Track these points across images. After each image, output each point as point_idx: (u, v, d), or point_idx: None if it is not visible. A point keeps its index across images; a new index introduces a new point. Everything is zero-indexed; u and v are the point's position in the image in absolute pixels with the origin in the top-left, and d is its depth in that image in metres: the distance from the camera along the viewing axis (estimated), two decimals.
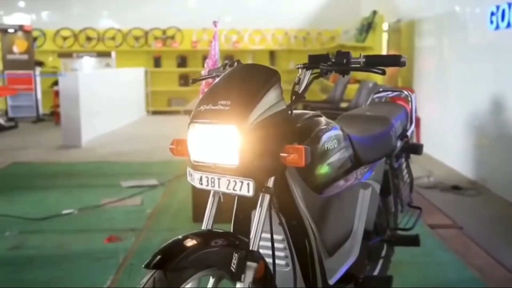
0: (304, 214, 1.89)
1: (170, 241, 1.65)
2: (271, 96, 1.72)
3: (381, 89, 3.00)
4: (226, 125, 1.66)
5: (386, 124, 2.58)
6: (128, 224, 4.13)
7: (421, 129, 7.67)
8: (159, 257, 1.57)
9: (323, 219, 2.00)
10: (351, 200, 2.21)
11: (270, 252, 1.86)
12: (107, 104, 9.64)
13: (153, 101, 13.08)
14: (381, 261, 2.90)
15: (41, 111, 11.65)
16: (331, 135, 2.03)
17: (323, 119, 2.09)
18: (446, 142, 6.88)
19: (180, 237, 1.67)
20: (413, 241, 2.63)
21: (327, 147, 1.98)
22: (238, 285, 1.69)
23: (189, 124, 1.76)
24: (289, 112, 1.80)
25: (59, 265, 3.45)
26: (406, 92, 2.89)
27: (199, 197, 3.81)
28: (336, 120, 2.69)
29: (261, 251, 2.00)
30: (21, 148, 7.94)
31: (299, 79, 1.86)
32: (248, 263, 1.69)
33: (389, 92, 2.97)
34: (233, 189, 1.70)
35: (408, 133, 2.76)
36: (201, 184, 1.77)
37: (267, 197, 1.75)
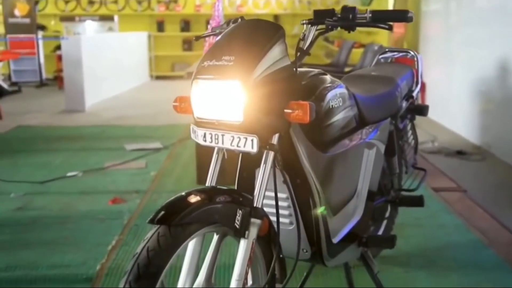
0: (309, 172, 1.89)
1: (174, 197, 1.64)
2: (275, 52, 1.69)
3: (386, 50, 2.96)
4: (230, 81, 1.64)
5: (392, 84, 2.55)
6: (133, 186, 4.14)
7: (426, 94, 7.62)
8: (162, 212, 1.57)
9: (327, 178, 1.99)
10: (355, 159, 2.20)
11: (274, 210, 1.86)
12: (110, 68, 9.59)
13: (157, 66, 13.00)
14: (385, 222, 2.91)
15: (44, 75, 11.60)
16: (336, 93, 2.00)
17: (328, 77, 2.06)
18: (452, 107, 6.84)
19: (183, 193, 1.66)
20: (417, 201, 2.63)
21: (332, 105, 1.96)
22: (242, 241, 1.69)
23: (192, 80, 1.74)
24: (294, 68, 1.77)
25: (64, 225, 3.48)
26: (412, 53, 2.85)
27: (203, 159, 3.81)
28: (341, 80, 2.67)
29: (265, 209, 2.01)
30: (25, 113, 7.93)
31: (304, 35, 1.83)
32: (252, 219, 1.69)
33: (395, 53, 2.92)
34: (237, 146, 1.69)
35: (414, 94, 2.73)
36: (205, 141, 1.76)
37: (271, 154, 1.73)
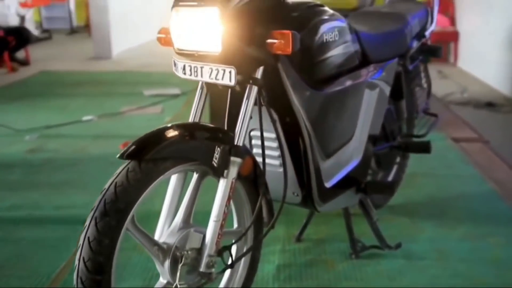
0: (298, 111, 1.79)
1: (150, 131, 1.57)
2: None
3: None
4: (208, 8, 1.54)
5: (401, 21, 2.40)
6: (145, 131, 4.02)
7: (459, 44, 7.32)
8: (133, 147, 1.50)
9: (320, 118, 1.88)
10: (354, 99, 2.07)
11: (266, 151, 1.78)
12: (139, 16, 9.48)
13: None
14: (394, 169, 2.80)
15: (75, 23, 11.58)
16: (332, 27, 1.88)
17: (325, 9, 1.94)
18: (486, 57, 6.53)
19: (161, 127, 1.59)
20: (424, 147, 2.48)
21: (326, 39, 1.84)
22: (221, 181, 1.62)
23: (172, 8, 1.64)
24: None
25: (75, 167, 3.48)
26: None
27: (216, 103, 3.72)
28: (349, 17, 2.52)
29: (255, 150, 1.93)
30: (52, 59, 7.95)
31: None
32: (232, 158, 1.61)
33: None
34: (215, 78, 1.61)
35: (427, 33, 2.56)
36: (185, 73, 1.69)
37: (255, 89, 1.64)
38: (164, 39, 1.75)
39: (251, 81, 1.63)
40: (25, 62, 7.44)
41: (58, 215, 2.79)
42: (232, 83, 1.57)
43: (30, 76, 6.57)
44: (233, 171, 1.61)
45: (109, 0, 8.09)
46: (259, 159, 1.72)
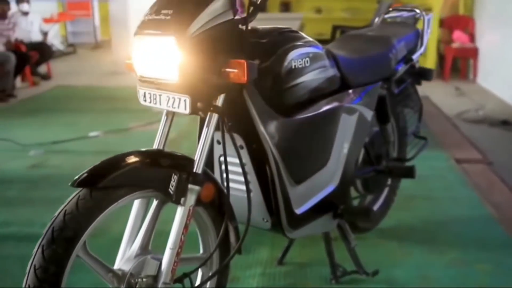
0: (264, 138, 1.78)
1: (107, 158, 1.57)
2: (217, 5, 1.57)
3: (390, 9, 2.75)
4: (165, 37, 1.54)
5: (386, 45, 2.37)
6: (148, 147, 4.08)
7: (478, 61, 7.21)
8: (85, 175, 1.51)
9: (290, 144, 1.87)
10: (329, 125, 2.05)
11: (236, 177, 1.80)
12: None
13: None
14: (386, 191, 2.76)
15: (99, 37, 11.78)
16: (303, 53, 1.87)
17: (298, 35, 1.93)
18: (505, 74, 6.40)
19: (119, 154, 1.60)
20: (408, 172, 2.43)
21: (295, 66, 1.83)
22: (179, 209, 1.61)
23: (134, 35, 1.66)
24: (243, 24, 1.64)
25: None
26: (418, 11, 2.63)
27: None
28: (334, 40, 2.51)
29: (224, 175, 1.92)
30: (73, 73, 8.09)
31: None
32: (190, 186, 1.60)
33: (401, 12, 2.71)
34: (172, 106, 1.61)
35: (415, 57, 2.51)
36: (145, 101, 1.70)
37: (215, 116, 1.64)
38: (129, 65, 1.76)
39: (211, 109, 1.63)
40: (46, 77, 7.60)
41: None
42: (187, 111, 1.58)
43: (47, 90, 6.70)
44: (190, 199, 1.60)
45: (129, 15, 8.19)
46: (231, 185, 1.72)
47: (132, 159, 1.58)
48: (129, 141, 4.45)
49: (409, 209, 3.01)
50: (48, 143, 4.35)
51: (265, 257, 2.53)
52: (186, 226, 1.60)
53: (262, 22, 1.89)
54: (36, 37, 7.81)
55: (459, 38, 7.42)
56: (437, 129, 4.55)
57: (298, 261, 2.50)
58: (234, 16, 1.59)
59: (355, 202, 2.61)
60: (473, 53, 7.30)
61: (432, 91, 6.07)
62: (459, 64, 7.80)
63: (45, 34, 8.11)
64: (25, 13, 7.74)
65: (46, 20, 8.65)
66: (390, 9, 2.75)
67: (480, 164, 3.78)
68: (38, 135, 4.57)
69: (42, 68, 7.62)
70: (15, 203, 3.21)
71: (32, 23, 7.80)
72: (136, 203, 1.70)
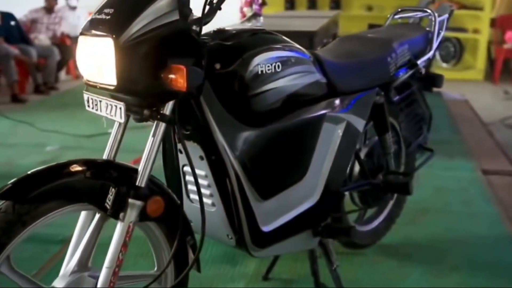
0: (223, 148, 1.63)
1: (37, 168, 1.47)
2: (161, 4, 1.43)
3: (399, 10, 2.53)
4: (103, 38, 1.42)
5: (384, 49, 2.16)
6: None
7: None
8: (9, 186, 1.40)
9: (256, 155, 1.71)
10: (307, 135, 1.86)
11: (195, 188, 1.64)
12: None
13: None
14: (390, 204, 2.56)
15: None
16: (272, 57, 1.70)
17: (273, 38, 1.77)
18: None
19: (53, 164, 1.49)
20: (403, 188, 2.20)
21: (261, 71, 1.67)
22: (118, 225, 1.49)
23: (78, 36, 1.54)
24: (198, 26, 1.50)
25: None
26: (429, 12, 2.40)
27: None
28: (328, 44, 2.34)
29: (189, 187, 1.81)
30: None
31: None
32: (131, 200, 1.48)
33: (409, 13, 2.49)
34: (110, 114, 1.50)
35: (420, 61, 2.28)
36: (89, 106, 1.59)
37: (162, 125, 1.50)
38: None
39: (158, 117, 1.50)
40: None
41: (32, 234, 2.75)
42: (122, 120, 1.47)
43: (79, 85, 6.74)
44: (130, 215, 1.48)
45: None
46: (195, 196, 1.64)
47: (69, 169, 1.47)
48: (147, 138, 4.36)
49: (419, 224, 2.79)
50: (67, 137, 4.34)
51: (251, 270, 2.38)
52: (125, 244, 1.48)
53: (282, 20, 1.73)
54: None
55: (511, 38, 7.01)
56: (469, 136, 4.24)
57: (284, 277, 2.34)
58: (181, 16, 1.45)
59: (354, 216, 2.44)
60: None
61: (478, 94, 5.76)
62: (510, 66, 7.38)
63: None
64: (73, 8, 7.83)
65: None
66: (399, 9, 2.53)
67: (509, 176, 3.48)
68: (62, 129, 4.57)
69: None
70: None
71: (79, 17, 7.88)
72: (82, 216, 1.59)
